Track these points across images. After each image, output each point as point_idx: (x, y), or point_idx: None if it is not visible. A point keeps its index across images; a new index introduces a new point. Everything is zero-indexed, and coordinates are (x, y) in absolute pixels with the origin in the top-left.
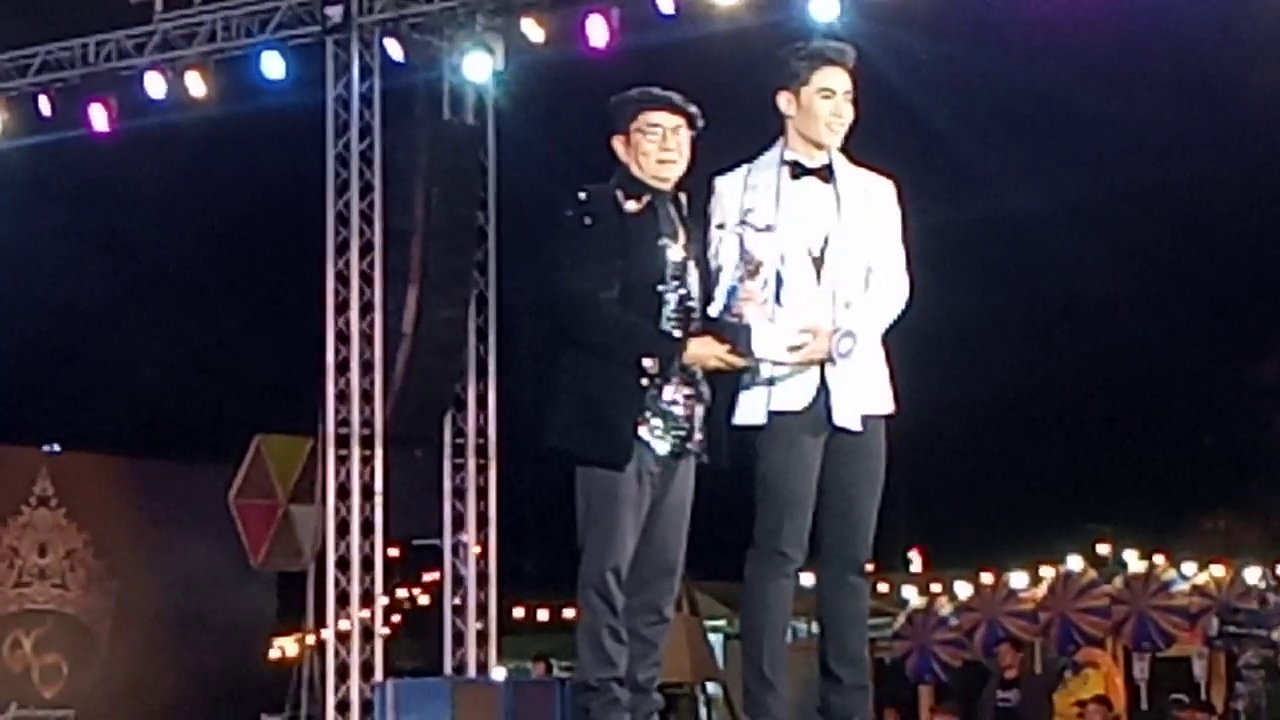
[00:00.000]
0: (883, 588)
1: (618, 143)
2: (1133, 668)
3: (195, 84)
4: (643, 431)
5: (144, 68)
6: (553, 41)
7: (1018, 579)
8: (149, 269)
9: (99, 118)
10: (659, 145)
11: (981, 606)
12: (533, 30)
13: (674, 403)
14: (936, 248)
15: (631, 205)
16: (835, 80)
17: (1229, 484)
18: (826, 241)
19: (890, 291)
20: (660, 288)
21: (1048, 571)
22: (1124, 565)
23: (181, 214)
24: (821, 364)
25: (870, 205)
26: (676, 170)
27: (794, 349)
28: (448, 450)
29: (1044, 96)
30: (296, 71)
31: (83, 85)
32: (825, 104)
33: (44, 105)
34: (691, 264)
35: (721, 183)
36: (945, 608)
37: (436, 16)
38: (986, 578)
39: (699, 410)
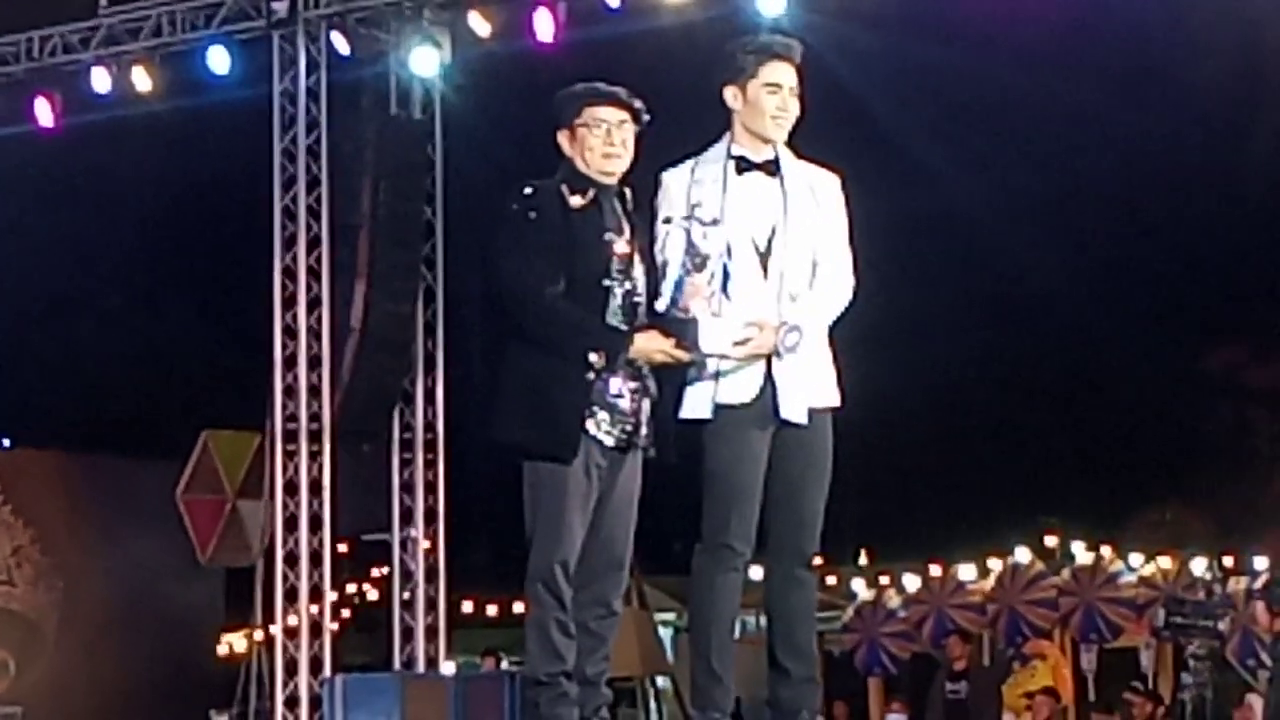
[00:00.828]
0: (831, 580)
1: (563, 137)
2: (1080, 659)
3: (141, 78)
4: (589, 425)
5: (89, 62)
6: (500, 35)
7: (966, 571)
8: (95, 264)
9: (44, 113)
10: (604, 140)
11: (930, 599)
12: (480, 24)
13: (620, 396)
14: (882, 241)
15: (577, 200)
16: (781, 75)
17: (1176, 476)
18: (772, 235)
19: (836, 286)
20: (606, 282)
21: (995, 563)
22: (1071, 557)
23: (128, 209)
24: (768, 358)
25: (816, 200)
26: (621, 165)
27: (740, 343)
28: (396, 445)
29: (990, 89)
30: (242, 66)
31: (27, 80)
32: (771, 98)
33: None
34: (637, 258)
35: (668, 177)
36: (893, 600)
37: (383, 10)
38: (935, 570)
39: (645, 404)
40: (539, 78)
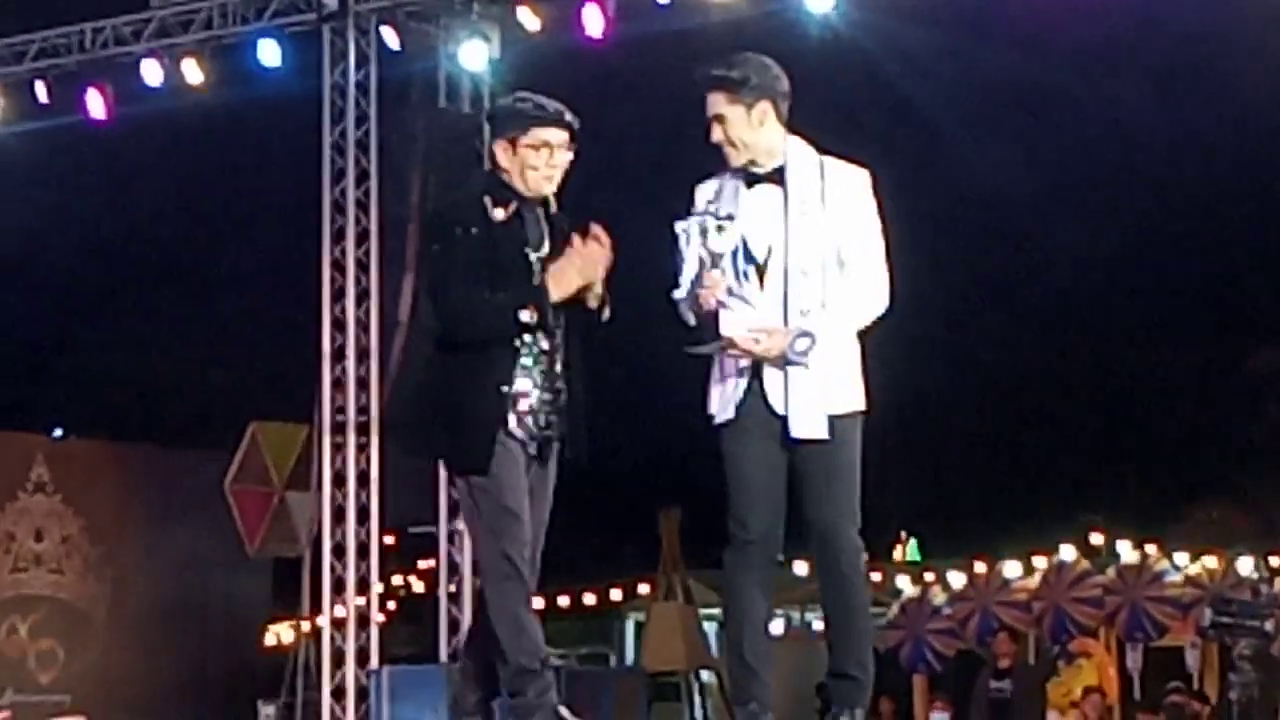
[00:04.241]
0: (876, 577)
1: (500, 149)
2: (1126, 658)
3: (192, 71)
4: (511, 423)
5: (141, 54)
6: (549, 30)
7: (1011, 569)
8: (145, 256)
9: (96, 104)
10: (545, 162)
11: (975, 596)
12: (529, 18)
13: (527, 395)
14: (931, 238)
15: (499, 213)
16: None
17: (1222, 474)
18: (771, 249)
19: (862, 290)
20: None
21: (1041, 561)
22: (1117, 555)
23: (178, 201)
24: (758, 363)
25: (825, 205)
26: (552, 187)
27: (752, 341)
28: None
29: (1035, 85)
30: (293, 59)
31: (80, 72)
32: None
33: (41, 92)
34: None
35: (699, 190)
36: (939, 597)
37: (433, 4)
38: (980, 567)
39: (558, 403)
40: (588, 72)
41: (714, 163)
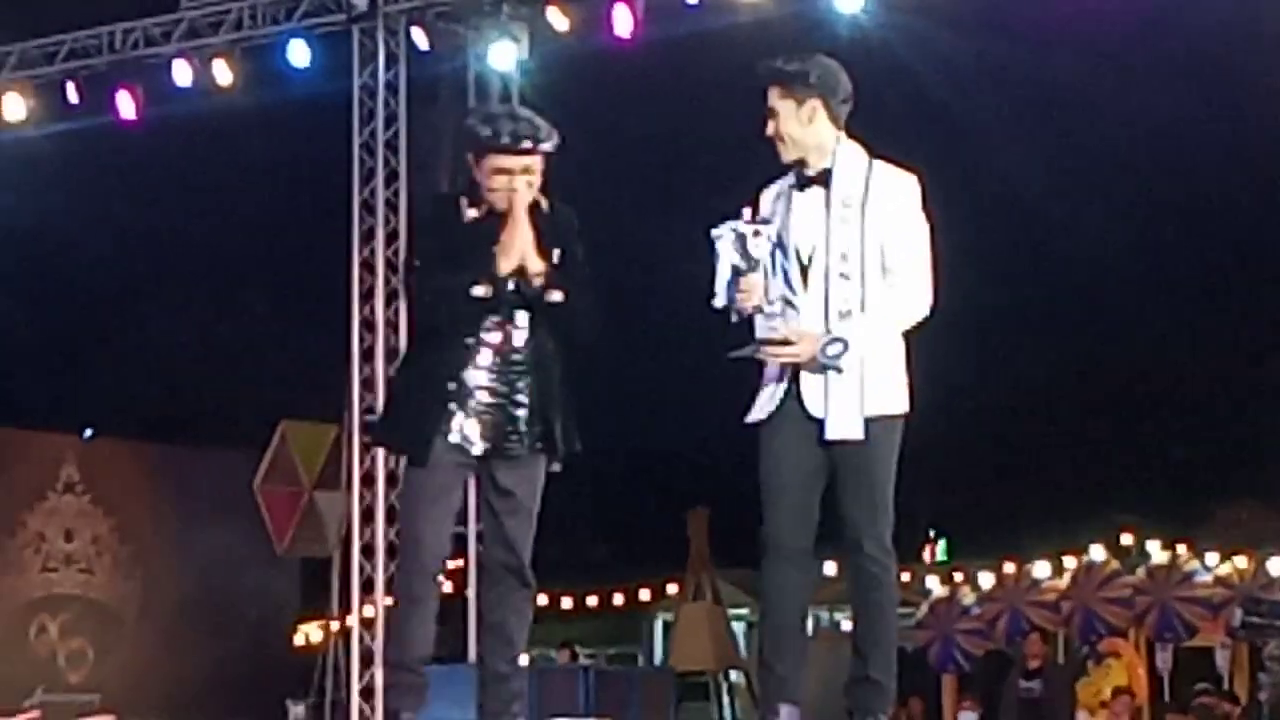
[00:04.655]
0: (905, 577)
1: (472, 159)
2: (1155, 658)
3: (222, 72)
4: (453, 428)
5: (171, 55)
6: (578, 30)
7: (1041, 569)
8: (175, 256)
9: (126, 105)
10: (506, 186)
11: (1004, 596)
12: (558, 19)
13: (477, 393)
14: (960, 239)
15: (472, 213)
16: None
17: (1252, 474)
18: (813, 251)
19: (903, 293)
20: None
21: (1070, 561)
22: (1147, 555)
23: (208, 201)
24: (797, 368)
25: (864, 212)
26: (509, 206)
27: (781, 345)
28: None
29: (1066, 87)
30: (322, 59)
31: (110, 72)
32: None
33: (71, 92)
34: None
35: (763, 195)
36: (968, 597)
37: (462, 5)
38: (1009, 567)
39: (518, 399)
40: (617, 72)
41: (741, 163)
